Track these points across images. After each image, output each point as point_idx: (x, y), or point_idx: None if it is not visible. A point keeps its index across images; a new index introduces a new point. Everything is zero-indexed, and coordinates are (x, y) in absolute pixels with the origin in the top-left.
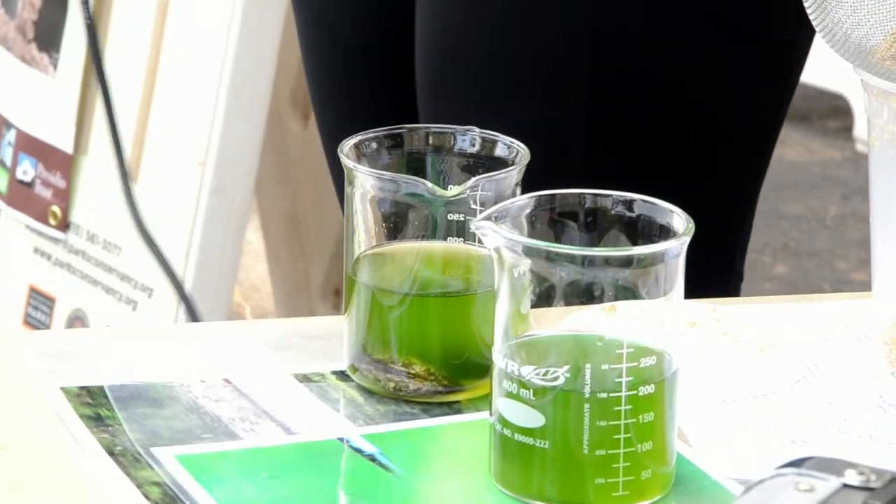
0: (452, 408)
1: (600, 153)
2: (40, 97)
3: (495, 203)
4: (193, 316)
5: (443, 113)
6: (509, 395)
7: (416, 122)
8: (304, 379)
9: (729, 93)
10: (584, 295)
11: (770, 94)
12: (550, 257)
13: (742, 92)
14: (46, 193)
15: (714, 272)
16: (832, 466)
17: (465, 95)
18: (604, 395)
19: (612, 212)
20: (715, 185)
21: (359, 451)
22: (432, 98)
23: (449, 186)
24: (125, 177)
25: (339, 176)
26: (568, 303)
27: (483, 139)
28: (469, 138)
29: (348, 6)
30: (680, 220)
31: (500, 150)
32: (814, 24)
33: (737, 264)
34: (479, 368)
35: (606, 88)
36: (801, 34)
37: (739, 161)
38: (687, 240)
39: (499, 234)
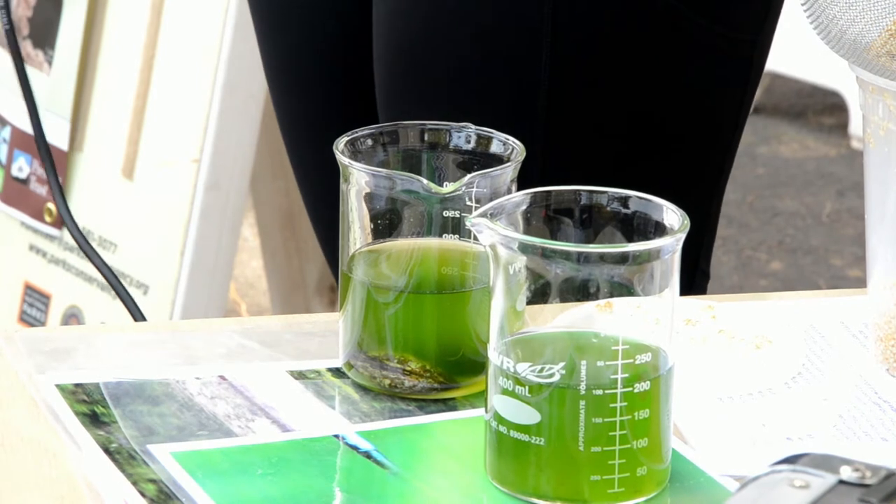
0: (448, 405)
1: (559, 153)
2: (35, 94)
3: (491, 200)
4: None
5: (401, 111)
6: (505, 391)
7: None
8: (300, 376)
9: (689, 93)
10: (580, 292)
11: (731, 93)
12: (546, 254)
13: (702, 91)
14: (41, 191)
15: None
16: (827, 463)
17: (424, 95)
18: (599, 392)
19: (608, 208)
20: (676, 184)
21: (354, 448)
22: (390, 97)
23: (444, 183)
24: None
25: (311, 196)
26: (563, 299)
27: (478, 136)
28: (464, 135)
29: (304, 12)
30: (675, 217)
31: (495, 147)
32: (809, 21)
33: (701, 263)
34: (475, 365)
35: (565, 90)
36: (762, 35)
37: (701, 160)
38: (682, 236)
39: (494, 231)
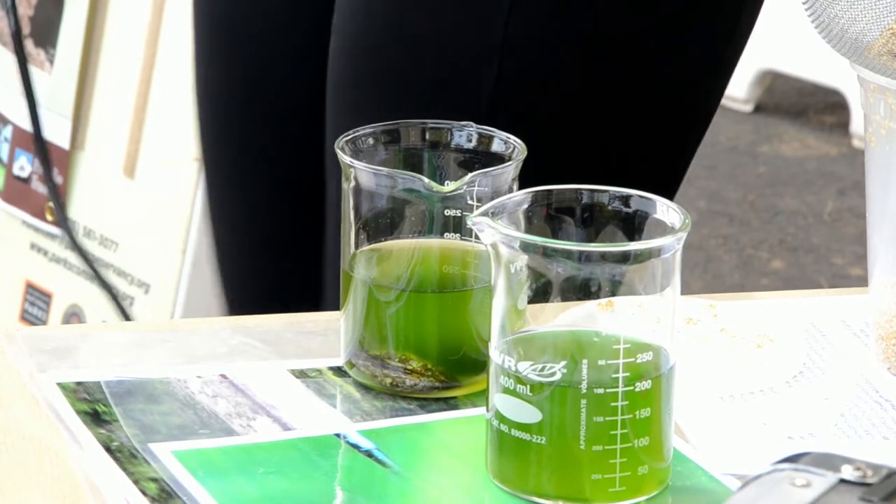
0: (449, 403)
1: (515, 94)
2: (37, 93)
3: (492, 199)
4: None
5: (347, 112)
6: (506, 390)
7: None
8: (301, 375)
9: (671, 24)
10: (581, 290)
11: (717, 37)
12: (547, 253)
13: (685, 31)
14: (43, 189)
15: None
16: (829, 462)
17: (369, 103)
18: (600, 391)
19: (609, 207)
20: (631, 181)
21: (356, 446)
22: (337, 103)
23: (445, 182)
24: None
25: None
26: (565, 298)
27: (480, 135)
28: (466, 134)
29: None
30: (676, 216)
31: (496, 146)
32: (810, 19)
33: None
34: (476, 364)
35: (513, 97)
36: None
37: (671, 115)
38: (684, 235)
39: (495, 230)
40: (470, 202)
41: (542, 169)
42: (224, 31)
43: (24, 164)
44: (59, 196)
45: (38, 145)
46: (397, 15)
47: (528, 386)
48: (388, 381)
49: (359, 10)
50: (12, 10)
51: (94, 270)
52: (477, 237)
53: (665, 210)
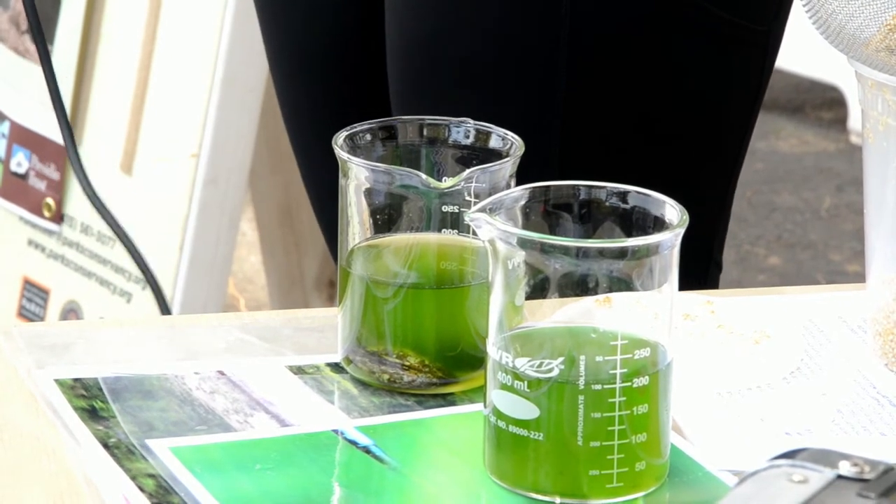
0: (447, 400)
1: (576, 150)
2: (34, 89)
3: (490, 195)
4: (164, 306)
5: (415, 108)
6: (503, 386)
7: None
8: (299, 371)
9: (705, 83)
10: (579, 287)
11: (746, 84)
12: (545, 249)
13: (717, 82)
14: (40, 185)
15: (693, 262)
16: (826, 458)
17: (438, 95)
18: (598, 387)
19: (607, 203)
20: (691, 174)
21: (353, 443)
22: (403, 96)
23: (443, 178)
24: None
25: (314, 187)
26: (562, 294)
27: (477, 131)
28: (463, 130)
29: (312, 8)
30: (674, 212)
31: (494, 142)
32: (808, 15)
33: (715, 254)
34: (474, 360)
35: (582, 86)
36: (776, 23)
37: (715, 151)
38: (681, 231)
39: (493, 226)
40: (467, 198)
41: (612, 148)
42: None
43: (22, 160)
44: (109, 216)
45: (73, 158)
46: (453, 8)
47: (526, 382)
48: (386, 377)
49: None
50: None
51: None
52: (474, 233)
53: (662, 206)
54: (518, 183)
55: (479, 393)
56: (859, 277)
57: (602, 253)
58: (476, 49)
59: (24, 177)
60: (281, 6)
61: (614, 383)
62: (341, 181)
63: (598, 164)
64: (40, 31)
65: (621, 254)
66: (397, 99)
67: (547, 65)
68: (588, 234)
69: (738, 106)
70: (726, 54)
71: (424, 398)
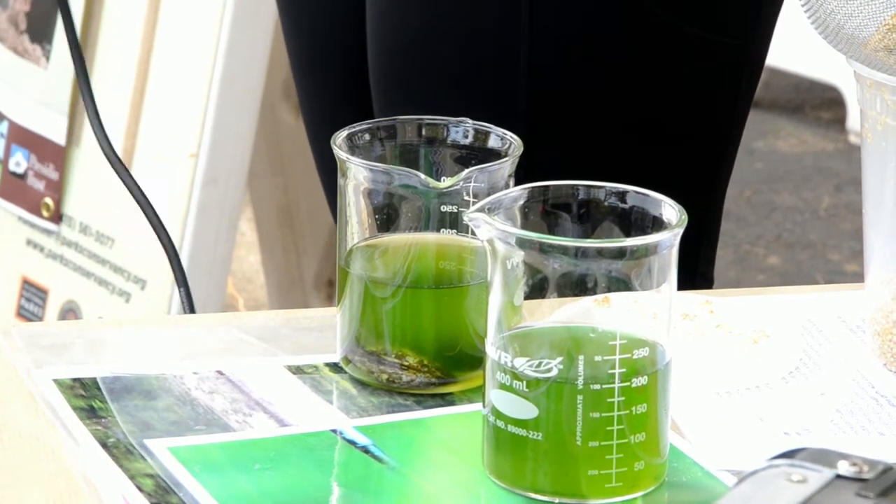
0: (445, 399)
1: (544, 159)
2: (33, 88)
3: (488, 194)
4: (191, 305)
5: (392, 110)
6: (502, 386)
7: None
8: (298, 371)
9: (674, 95)
10: (577, 286)
11: (721, 95)
12: (543, 249)
13: (689, 94)
14: (39, 185)
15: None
16: (825, 458)
17: (415, 93)
18: (597, 387)
19: (605, 203)
20: (669, 186)
21: (352, 442)
22: (383, 98)
23: (442, 178)
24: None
25: (326, 172)
26: (561, 294)
27: (476, 130)
28: (462, 130)
29: (333, 3)
30: (673, 212)
31: (493, 142)
32: (806, 15)
33: (701, 266)
34: (472, 360)
35: (543, 97)
36: (753, 40)
37: (694, 163)
38: (680, 231)
39: (492, 226)
40: (466, 198)
41: (579, 155)
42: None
43: (20, 160)
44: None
45: (117, 165)
46: (427, 14)
47: (525, 382)
48: (385, 377)
49: (391, 11)
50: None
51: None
52: (473, 233)
53: (661, 206)
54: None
55: (478, 393)
56: (858, 277)
57: (601, 253)
58: (444, 56)
59: (22, 176)
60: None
61: (613, 383)
62: (340, 181)
63: (568, 176)
64: (73, 30)
65: (620, 254)
66: (377, 105)
67: (509, 80)
68: (587, 234)
69: (715, 118)
70: (694, 67)
71: (423, 398)
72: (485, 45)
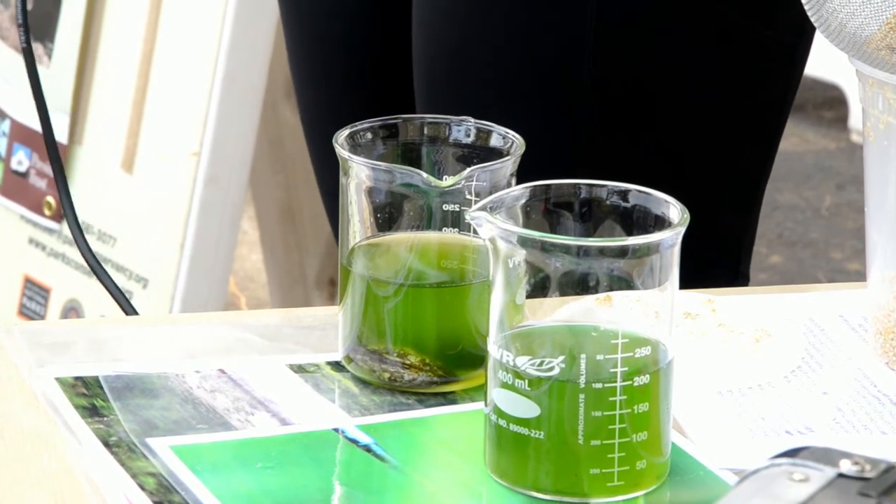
0: (447, 398)
1: (601, 156)
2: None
3: (490, 193)
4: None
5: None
6: (504, 385)
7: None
8: (300, 369)
9: (732, 93)
10: (579, 285)
11: (773, 94)
12: (545, 248)
13: (745, 92)
14: (41, 184)
15: (719, 273)
16: (827, 456)
17: (465, 99)
18: (599, 386)
19: (607, 202)
20: (718, 186)
21: (354, 441)
22: (431, 102)
23: (444, 177)
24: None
25: (324, 181)
26: (563, 293)
27: (478, 129)
28: (464, 129)
29: (336, 8)
30: (675, 211)
31: (494, 141)
32: (809, 14)
33: (742, 266)
34: (474, 359)
35: (607, 90)
36: (802, 37)
37: (741, 160)
38: (682, 230)
39: (494, 225)
40: (468, 197)
41: (637, 150)
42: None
43: (22, 159)
44: (68, 190)
45: (50, 144)
46: (480, 16)
47: (527, 381)
48: (387, 375)
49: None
50: (23, 12)
51: (100, 267)
52: (475, 232)
53: (663, 205)
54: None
55: (480, 391)
56: (860, 276)
57: (603, 251)
58: (499, 56)
59: (24, 175)
60: (305, 8)
61: (615, 382)
62: (342, 180)
63: (621, 175)
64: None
65: (622, 252)
66: (422, 106)
67: (571, 73)
68: (589, 233)
69: (768, 118)
70: (753, 64)
71: (425, 397)
72: (545, 44)
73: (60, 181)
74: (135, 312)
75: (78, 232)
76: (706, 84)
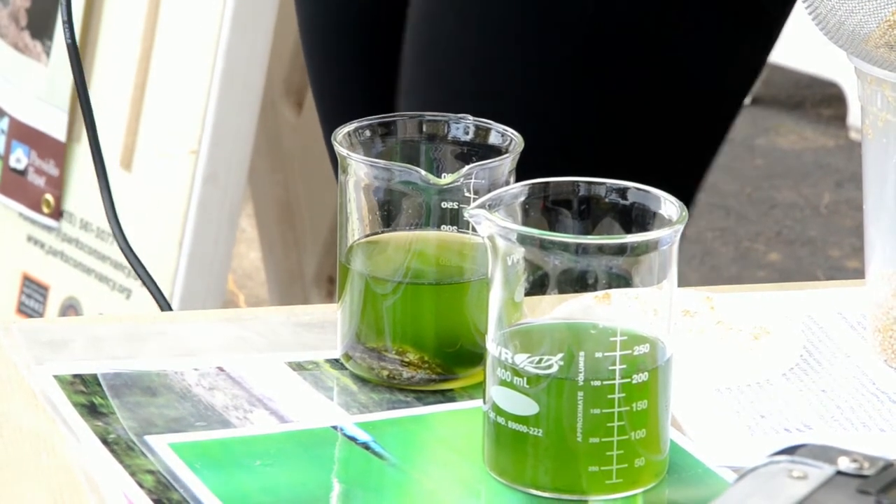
0: (446, 396)
1: (581, 137)
2: (33, 85)
3: (489, 191)
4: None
5: (433, 103)
6: (503, 383)
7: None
8: (298, 367)
9: (711, 54)
10: (578, 283)
11: (753, 65)
12: (544, 245)
13: (726, 57)
14: (39, 181)
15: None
16: (825, 454)
17: (456, 84)
18: (597, 383)
19: (606, 200)
20: (679, 141)
21: (353, 439)
22: (425, 88)
23: (442, 174)
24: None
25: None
26: (561, 291)
27: (477, 127)
28: (463, 126)
29: None
30: (673, 208)
31: (493, 138)
32: (807, 11)
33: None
34: (473, 356)
35: (595, 78)
36: (785, 8)
37: (707, 124)
38: (681, 228)
39: (492, 222)
40: (467, 194)
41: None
42: None
43: (21, 157)
44: (116, 215)
45: (99, 165)
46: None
47: (525, 378)
48: (385, 373)
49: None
50: (69, 25)
51: (149, 278)
52: (474, 229)
53: (662, 202)
54: (530, 167)
55: (479, 389)
56: (858, 273)
57: (601, 249)
58: (481, 58)
59: (23, 173)
60: None
61: (614, 379)
62: (340, 177)
63: (603, 155)
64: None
65: (620, 250)
66: (414, 90)
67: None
68: (587, 231)
69: (737, 86)
70: (734, 31)
71: (424, 394)
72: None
73: (107, 201)
74: (169, 308)
75: (125, 244)
76: (688, 43)
